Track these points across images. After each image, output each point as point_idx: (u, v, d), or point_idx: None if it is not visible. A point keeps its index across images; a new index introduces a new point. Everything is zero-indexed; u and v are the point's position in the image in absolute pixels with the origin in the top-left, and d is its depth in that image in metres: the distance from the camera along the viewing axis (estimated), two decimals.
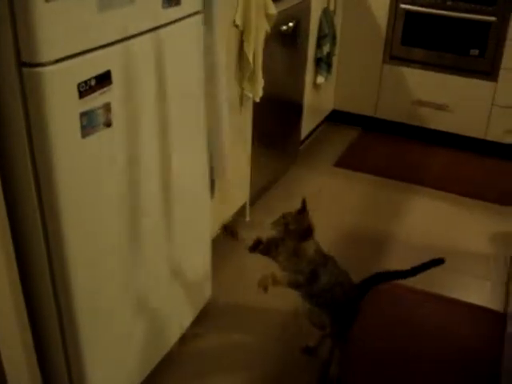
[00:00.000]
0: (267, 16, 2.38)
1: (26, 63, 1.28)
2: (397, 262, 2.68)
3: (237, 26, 2.28)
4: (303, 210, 1.84)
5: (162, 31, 1.61)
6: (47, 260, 1.51)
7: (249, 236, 2.78)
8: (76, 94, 1.37)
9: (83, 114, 1.40)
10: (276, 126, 3.06)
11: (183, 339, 2.13)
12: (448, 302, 2.45)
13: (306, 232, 1.84)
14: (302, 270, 1.82)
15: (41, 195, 1.42)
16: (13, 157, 1.41)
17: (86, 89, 1.38)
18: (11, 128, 1.37)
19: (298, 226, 1.82)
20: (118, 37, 1.45)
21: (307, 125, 3.48)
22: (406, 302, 2.44)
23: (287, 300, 2.38)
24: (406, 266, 2.62)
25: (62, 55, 1.31)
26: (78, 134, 1.41)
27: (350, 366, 2.10)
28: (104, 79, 1.43)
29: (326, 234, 2.80)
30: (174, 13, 1.65)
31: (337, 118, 3.96)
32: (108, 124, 1.49)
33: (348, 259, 2.65)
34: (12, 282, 1.51)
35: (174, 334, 2.09)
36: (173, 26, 1.65)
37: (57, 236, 1.46)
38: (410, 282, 2.50)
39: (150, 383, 1.97)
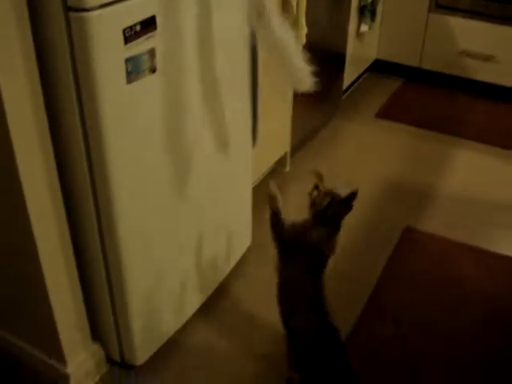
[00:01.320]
0: None
1: (73, 8, 1.29)
2: (435, 214, 2.66)
3: None
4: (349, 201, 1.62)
5: None
6: (94, 205, 1.56)
7: (289, 186, 2.81)
8: (121, 39, 1.37)
9: (128, 60, 1.41)
10: (318, 75, 3.01)
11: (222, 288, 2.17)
12: (486, 255, 2.42)
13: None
14: None
15: (88, 140, 1.45)
16: (60, 102, 1.43)
17: (131, 34, 1.39)
18: (59, 73, 1.39)
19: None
20: None
21: (350, 74, 3.43)
22: (440, 254, 2.43)
23: None
24: (444, 218, 2.63)
25: (108, 0, 1.31)
26: (124, 80, 1.42)
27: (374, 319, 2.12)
28: (149, 24, 1.43)
29: (364, 185, 2.82)
30: None
31: (380, 68, 3.89)
32: (153, 70, 1.49)
33: (385, 211, 2.67)
34: (60, 225, 1.56)
35: (214, 280, 2.13)
36: None
37: (104, 181, 1.50)
38: (451, 234, 2.52)
39: (190, 326, 2.03)
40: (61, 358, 1.73)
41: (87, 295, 1.75)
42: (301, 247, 1.65)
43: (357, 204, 2.63)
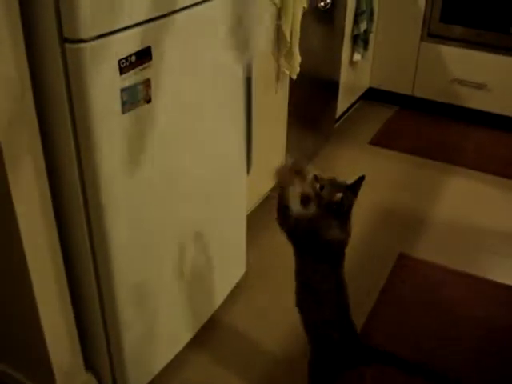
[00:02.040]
0: None
1: (69, 39, 1.30)
2: (428, 241, 2.67)
3: (275, 4, 2.27)
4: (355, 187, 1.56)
5: (201, 7, 1.61)
6: (87, 226, 1.56)
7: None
8: (117, 69, 1.39)
9: (124, 90, 1.42)
10: (312, 103, 3.06)
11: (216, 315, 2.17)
12: (478, 282, 2.43)
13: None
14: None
15: (82, 168, 1.46)
16: (55, 130, 1.44)
17: (126, 65, 1.41)
18: (54, 102, 1.40)
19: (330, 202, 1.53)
20: (158, 13, 1.46)
21: (343, 102, 3.46)
22: (434, 280, 2.44)
23: None
24: (437, 245, 2.64)
25: (103, 31, 1.33)
26: (119, 110, 1.43)
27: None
28: (144, 55, 1.45)
29: (357, 212, 2.82)
30: None
31: (373, 96, 3.93)
32: (148, 100, 1.51)
33: (379, 238, 2.68)
34: (51, 243, 1.56)
35: (208, 310, 2.13)
36: (212, 3, 1.66)
37: (97, 206, 1.51)
38: (445, 261, 2.52)
39: (183, 357, 2.02)
40: None
41: (80, 325, 1.74)
42: (317, 244, 1.58)
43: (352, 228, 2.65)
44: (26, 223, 1.45)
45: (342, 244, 1.62)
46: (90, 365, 1.82)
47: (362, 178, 1.55)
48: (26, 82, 1.35)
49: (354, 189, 1.55)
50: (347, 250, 2.49)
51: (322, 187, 1.55)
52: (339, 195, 1.52)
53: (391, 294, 2.35)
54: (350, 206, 1.57)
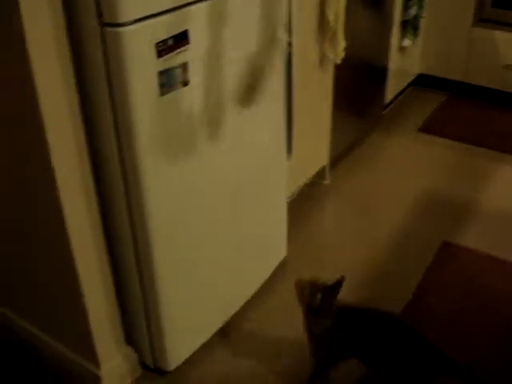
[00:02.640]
0: None
1: (108, 23, 1.35)
2: (475, 230, 2.64)
3: None
4: (336, 288, 1.70)
5: None
6: (127, 215, 1.61)
7: (328, 198, 2.84)
8: (154, 52, 1.43)
9: (161, 73, 1.46)
10: (359, 88, 3.04)
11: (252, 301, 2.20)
12: None
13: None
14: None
15: (122, 149, 1.51)
16: (96, 112, 1.50)
17: (163, 48, 1.44)
18: (94, 85, 1.45)
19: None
20: None
21: (392, 88, 3.43)
22: (477, 268, 2.41)
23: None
24: (484, 234, 2.60)
25: (141, 15, 1.37)
26: (157, 92, 1.48)
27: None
28: (182, 39, 1.48)
29: (403, 198, 2.82)
30: None
31: (423, 83, 3.88)
32: (185, 83, 1.54)
33: (424, 225, 2.66)
34: (93, 226, 1.62)
35: (246, 293, 2.16)
36: None
37: (137, 188, 1.56)
38: (490, 249, 2.49)
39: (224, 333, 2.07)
40: (94, 360, 1.78)
41: (122, 300, 1.80)
42: None
43: (394, 217, 2.66)
44: (69, 206, 1.51)
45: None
46: (130, 339, 1.88)
47: (340, 282, 1.68)
48: (67, 63, 1.40)
49: (334, 288, 1.69)
50: (392, 234, 2.52)
51: (312, 294, 1.70)
52: (318, 297, 1.68)
53: (432, 280, 2.33)
54: (332, 303, 1.71)
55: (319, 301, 1.68)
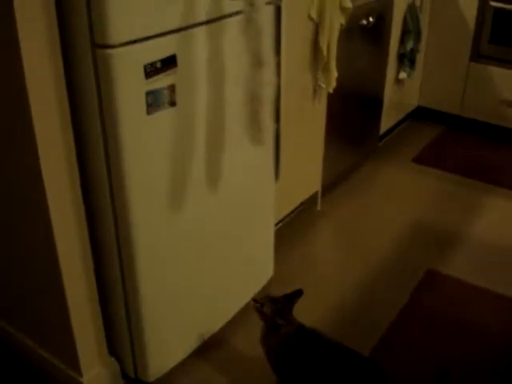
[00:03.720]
0: (343, 9, 2.45)
1: (99, 45, 1.44)
2: (461, 259, 2.69)
3: (312, 19, 2.37)
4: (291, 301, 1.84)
5: (228, 20, 1.73)
6: (114, 226, 1.69)
7: (319, 224, 2.90)
8: (143, 74, 1.51)
9: (149, 93, 1.55)
10: (353, 119, 3.12)
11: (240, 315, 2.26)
12: (508, 302, 2.43)
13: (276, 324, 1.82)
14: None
15: (109, 163, 1.59)
16: (85, 129, 1.58)
17: (151, 70, 1.53)
18: (85, 103, 1.54)
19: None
20: (184, 24, 1.58)
21: (387, 120, 3.51)
22: (461, 297, 2.46)
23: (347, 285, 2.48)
24: (469, 264, 2.65)
25: (131, 39, 1.46)
26: (144, 111, 1.56)
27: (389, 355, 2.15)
28: (169, 62, 1.57)
29: (392, 226, 2.88)
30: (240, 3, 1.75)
31: (422, 116, 3.96)
32: (172, 103, 1.63)
33: (410, 253, 2.71)
34: (82, 244, 1.70)
35: (233, 309, 2.22)
36: (240, 17, 1.76)
37: (122, 200, 1.63)
38: (475, 279, 2.53)
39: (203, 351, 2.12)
40: (77, 368, 1.84)
41: (106, 312, 1.86)
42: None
43: (383, 244, 2.72)
44: (57, 217, 1.60)
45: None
46: (113, 350, 1.94)
47: (299, 291, 1.83)
48: (61, 81, 1.49)
49: (291, 298, 1.84)
50: (377, 261, 2.58)
51: (262, 305, 1.82)
52: (269, 310, 1.81)
53: (415, 307, 2.38)
54: (289, 312, 1.84)
55: (276, 312, 1.80)
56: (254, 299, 1.85)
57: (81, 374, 1.85)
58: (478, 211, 3.06)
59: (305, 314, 1.93)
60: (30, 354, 1.98)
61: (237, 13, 1.74)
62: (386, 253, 2.71)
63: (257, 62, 1.77)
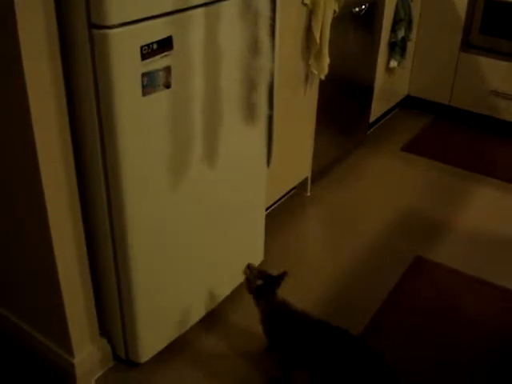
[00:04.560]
0: None
1: (96, 25, 1.44)
2: (448, 247, 2.72)
3: (305, 5, 2.38)
4: (278, 279, 1.92)
5: (225, 3, 1.73)
6: (107, 209, 1.70)
7: (309, 210, 2.92)
8: (139, 55, 1.52)
9: (145, 74, 1.55)
10: (344, 106, 3.14)
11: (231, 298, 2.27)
12: (493, 289, 2.47)
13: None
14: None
15: (104, 142, 1.60)
16: (81, 110, 1.58)
17: (148, 51, 1.53)
18: (81, 83, 1.54)
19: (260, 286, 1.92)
20: (180, 6, 1.58)
21: (378, 108, 3.53)
22: (448, 284, 2.49)
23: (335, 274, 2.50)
24: (456, 251, 2.68)
25: (127, 19, 1.46)
26: (139, 92, 1.56)
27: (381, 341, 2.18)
28: (165, 44, 1.57)
29: (380, 214, 2.90)
30: None
31: (411, 104, 3.99)
32: (167, 85, 1.63)
33: (398, 240, 2.74)
34: (74, 224, 1.70)
35: (223, 291, 2.24)
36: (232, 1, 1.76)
37: (116, 177, 1.64)
38: (462, 267, 2.57)
39: (194, 331, 2.14)
40: (69, 348, 1.85)
41: (97, 292, 1.88)
42: None
43: (372, 230, 2.75)
44: (51, 200, 1.60)
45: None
46: (104, 331, 1.96)
47: (284, 273, 1.90)
48: (57, 61, 1.49)
49: (277, 279, 1.91)
50: (366, 248, 2.61)
51: (251, 274, 1.95)
52: (260, 281, 1.91)
53: (402, 293, 2.41)
54: (274, 291, 1.93)
55: (261, 284, 1.91)
56: (249, 265, 1.96)
57: (72, 355, 1.87)
58: (466, 200, 3.09)
59: (294, 297, 1.96)
60: (22, 334, 1.99)
61: None
62: (374, 239, 2.74)
63: (253, 47, 1.78)
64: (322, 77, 2.58)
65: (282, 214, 2.83)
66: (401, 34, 3.33)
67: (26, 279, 1.87)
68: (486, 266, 2.60)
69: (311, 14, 2.42)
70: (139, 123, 1.60)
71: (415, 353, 2.13)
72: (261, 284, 1.91)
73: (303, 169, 2.90)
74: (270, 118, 2.15)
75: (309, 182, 2.98)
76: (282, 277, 1.91)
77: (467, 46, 3.60)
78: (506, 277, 2.54)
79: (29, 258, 1.80)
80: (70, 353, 1.87)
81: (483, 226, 2.89)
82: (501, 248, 2.74)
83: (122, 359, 1.99)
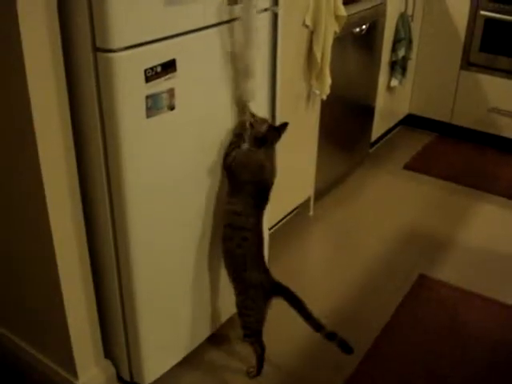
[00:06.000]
0: (337, 17, 2.48)
1: (100, 48, 1.46)
2: (452, 265, 2.72)
3: (307, 26, 2.40)
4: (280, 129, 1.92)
5: (226, 26, 1.75)
6: (111, 228, 1.70)
7: (312, 229, 2.92)
8: (143, 78, 1.53)
9: (149, 97, 1.57)
10: (346, 125, 3.15)
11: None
12: (498, 306, 2.46)
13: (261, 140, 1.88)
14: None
15: (108, 165, 1.61)
16: (85, 131, 1.60)
17: (152, 74, 1.55)
18: (85, 105, 1.56)
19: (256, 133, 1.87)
20: (184, 29, 1.60)
21: (379, 127, 3.54)
22: (452, 302, 2.48)
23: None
24: (461, 269, 2.68)
25: (131, 43, 1.48)
26: (143, 114, 1.58)
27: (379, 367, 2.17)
28: (169, 67, 1.59)
29: (383, 231, 2.91)
30: (238, 10, 1.77)
31: (413, 123, 4.00)
32: (171, 107, 1.64)
33: (401, 258, 2.74)
34: (80, 245, 1.71)
35: (226, 312, 2.23)
36: (238, 22, 1.78)
37: (119, 188, 1.64)
38: (466, 284, 2.56)
39: (200, 351, 2.13)
40: (73, 370, 1.85)
41: (102, 314, 1.87)
42: (248, 171, 1.88)
43: (375, 249, 2.74)
44: (55, 219, 1.61)
45: (269, 177, 1.93)
46: (109, 353, 1.95)
47: (285, 124, 1.91)
48: (61, 84, 1.50)
49: (278, 129, 1.91)
50: (370, 265, 2.60)
51: (255, 121, 1.88)
52: (265, 127, 1.86)
53: (406, 311, 2.40)
54: (273, 142, 1.91)
55: (265, 131, 1.86)
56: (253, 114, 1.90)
57: (76, 377, 1.86)
58: (468, 217, 3.09)
59: (297, 317, 1.95)
60: (25, 356, 1.99)
61: (233, 19, 1.76)
62: (377, 258, 2.74)
63: (244, 71, 1.80)
64: (324, 97, 2.60)
65: (285, 234, 2.83)
66: (401, 53, 3.36)
67: (31, 301, 1.87)
68: (489, 283, 2.60)
69: (312, 34, 2.44)
70: (143, 145, 1.61)
71: (420, 371, 2.12)
72: (265, 129, 1.86)
73: (306, 188, 2.91)
74: None
75: (311, 201, 2.99)
76: (283, 127, 1.91)
77: (467, 64, 3.62)
78: (511, 294, 2.53)
79: (34, 280, 1.80)
80: (74, 374, 1.86)
81: (486, 243, 2.89)
82: (505, 265, 2.73)
83: (127, 381, 1.98)
